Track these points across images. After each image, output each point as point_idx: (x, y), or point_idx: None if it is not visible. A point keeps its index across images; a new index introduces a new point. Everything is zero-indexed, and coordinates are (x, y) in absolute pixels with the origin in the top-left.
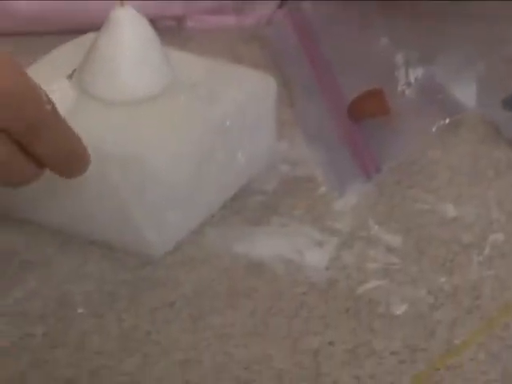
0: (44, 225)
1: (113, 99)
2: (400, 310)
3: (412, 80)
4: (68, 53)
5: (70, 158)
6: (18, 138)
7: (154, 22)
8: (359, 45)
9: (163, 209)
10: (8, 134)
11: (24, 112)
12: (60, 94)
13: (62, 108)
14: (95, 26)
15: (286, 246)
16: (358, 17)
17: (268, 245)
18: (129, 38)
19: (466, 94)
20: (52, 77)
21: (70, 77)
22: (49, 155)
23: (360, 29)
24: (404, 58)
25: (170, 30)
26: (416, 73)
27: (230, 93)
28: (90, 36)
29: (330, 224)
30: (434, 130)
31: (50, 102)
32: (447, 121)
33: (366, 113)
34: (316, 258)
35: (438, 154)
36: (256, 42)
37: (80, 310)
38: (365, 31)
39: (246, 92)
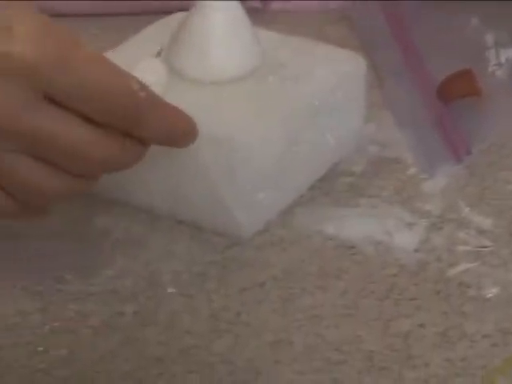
0: (133, 205)
1: (202, 79)
2: (491, 292)
3: (503, 60)
4: (156, 32)
5: (175, 134)
6: (120, 128)
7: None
8: (448, 26)
9: (253, 189)
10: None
11: (118, 106)
12: (151, 72)
13: (156, 87)
14: (182, 5)
15: (376, 227)
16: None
17: (357, 226)
18: (220, 18)
19: None
20: (141, 56)
21: (158, 55)
22: (153, 137)
23: (449, 11)
24: (494, 39)
25: (254, 11)
26: (507, 53)
27: (319, 73)
28: (178, 16)
29: (420, 206)
30: None
31: (143, 88)
32: None
33: (456, 94)
34: (406, 240)
35: None
36: (342, 24)
37: (170, 290)
38: (454, 13)
39: (336, 72)
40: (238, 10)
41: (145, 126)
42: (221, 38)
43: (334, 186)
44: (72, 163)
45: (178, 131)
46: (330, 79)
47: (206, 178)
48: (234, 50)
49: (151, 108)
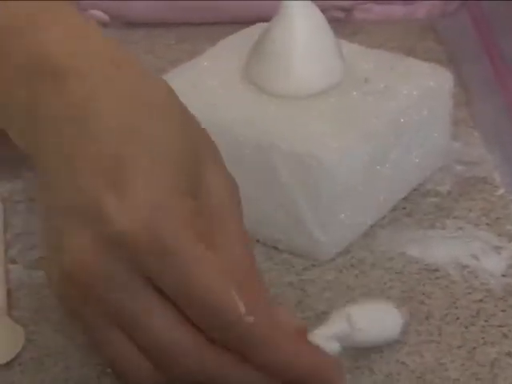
0: None
1: (285, 93)
2: None
3: None
4: (234, 44)
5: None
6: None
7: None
8: None
9: (335, 209)
10: None
11: (218, 321)
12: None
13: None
14: (262, 16)
15: (462, 250)
16: None
17: (442, 249)
18: (303, 30)
19: None
20: (220, 70)
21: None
22: (269, 370)
23: None
24: None
25: (336, 21)
26: None
27: (405, 88)
28: (257, 27)
29: (509, 228)
30: None
31: (255, 311)
32: None
33: None
34: (493, 264)
35: None
36: (429, 35)
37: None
38: None
39: (422, 87)
40: (320, 21)
41: (255, 355)
42: (304, 51)
43: (418, 206)
44: (161, 361)
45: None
46: (415, 95)
47: (285, 196)
48: (317, 64)
49: (264, 338)
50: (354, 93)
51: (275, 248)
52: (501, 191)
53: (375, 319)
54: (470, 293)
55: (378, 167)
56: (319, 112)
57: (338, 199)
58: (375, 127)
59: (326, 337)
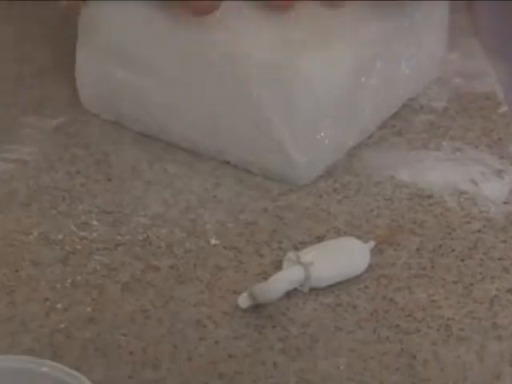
0: (171, 142)
1: None
2: None
3: None
4: None
5: None
6: None
7: None
8: None
9: (315, 125)
10: None
11: None
12: None
13: None
14: None
15: (459, 175)
16: None
17: (437, 173)
18: None
19: None
20: None
21: None
22: None
23: None
24: None
25: None
26: None
27: None
28: None
29: None
30: None
31: None
32: None
33: None
34: (493, 190)
35: None
36: None
37: (213, 242)
38: None
39: None
40: None
41: None
42: None
43: (409, 124)
44: None
45: None
46: None
47: (258, 112)
48: None
49: None
50: None
51: (247, 171)
52: (503, 108)
53: (335, 263)
54: (467, 222)
55: (363, 79)
56: (298, 17)
57: (317, 115)
58: (360, 34)
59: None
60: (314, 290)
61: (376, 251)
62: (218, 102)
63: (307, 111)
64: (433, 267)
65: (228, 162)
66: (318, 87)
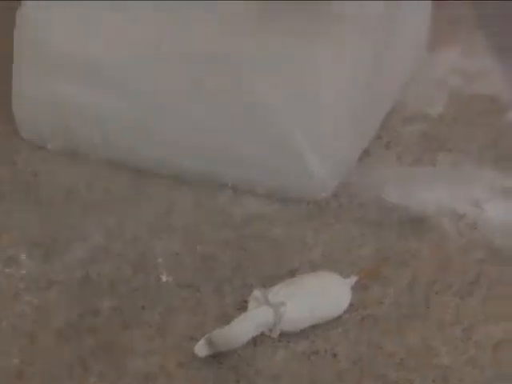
0: (142, 168)
1: None
2: None
3: None
4: None
5: None
6: None
7: None
8: None
9: (334, 137)
10: None
11: None
12: None
13: None
14: None
15: (457, 195)
16: None
17: (431, 193)
18: None
19: None
20: None
21: None
22: None
23: None
24: None
25: None
26: None
27: None
28: None
29: None
30: None
31: None
32: None
33: None
34: (499, 213)
35: None
36: None
37: (165, 278)
38: None
39: None
40: None
41: None
42: None
43: (398, 135)
44: None
45: None
46: None
47: (273, 125)
48: None
49: None
50: None
51: (208, 193)
52: (510, 115)
53: (310, 302)
54: (467, 251)
55: (370, 87)
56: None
57: (336, 126)
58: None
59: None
60: (286, 336)
61: (359, 288)
62: (222, 121)
63: (327, 123)
64: (427, 307)
65: (184, 182)
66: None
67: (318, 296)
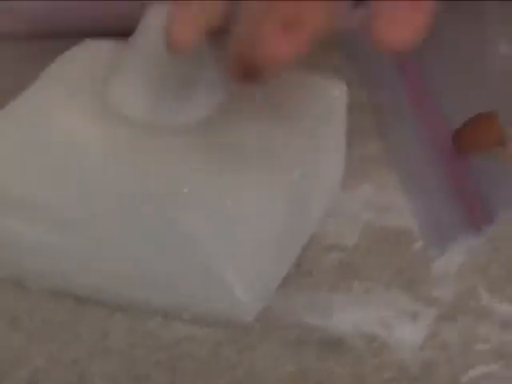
0: (82, 297)
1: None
2: None
3: None
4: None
5: None
6: None
7: None
8: (469, 54)
9: (257, 259)
10: None
11: None
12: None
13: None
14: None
15: (370, 318)
16: (469, 19)
17: (346, 317)
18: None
19: None
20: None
21: None
22: None
23: (471, 33)
24: None
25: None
26: None
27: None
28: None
29: (427, 290)
30: None
31: None
32: None
33: (476, 144)
34: (408, 335)
35: None
36: (336, 53)
37: None
38: (477, 37)
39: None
40: None
41: None
42: (167, 74)
43: (318, 264)
44: None
45: None
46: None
47: (195, 250)
48: (188, 89)
49: None
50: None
51: (140, 315)
52: (418, 245)
53: None
54: (380, 370)
55: (296, 208)
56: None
57: (259, 247)
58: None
59: None
60: None
61: None
62: (148, 249)
63: (251, 253)
64: None
65: (119, 308)
66: (259, 212)
67: None
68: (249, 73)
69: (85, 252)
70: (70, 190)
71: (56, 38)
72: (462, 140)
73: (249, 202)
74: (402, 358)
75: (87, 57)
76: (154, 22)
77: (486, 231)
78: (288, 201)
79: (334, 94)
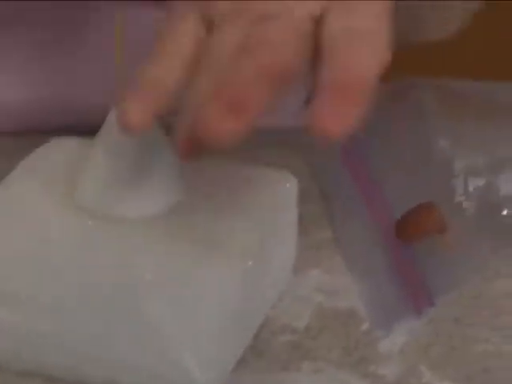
0: (48, 376)
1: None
2: None
3: (471, 190)
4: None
5: None
6: None
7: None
8: (411, 148)
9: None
10: None
11: None
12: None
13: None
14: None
15: None
16: (410, 116)
17: None
18: (128, 146)
19: None
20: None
21: None
22: None
23: (413, 128)
24: (464, 164)
25: None
26: (476, 182)
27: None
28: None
29: (373, 369)
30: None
31: None
32: None
33: (417, 231)
34: None
35: (508, 284)
36: (285, 146)
37: None
38: (418, 133)
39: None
40: (152, 134)
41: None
42: (126, 169)
43: (270, 345)
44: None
45: None
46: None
47: (153, 330)
48: (144, 184)
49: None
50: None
51: None
52: (365, 326)
53: None
54: None
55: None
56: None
57: (218, 329)
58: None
59: None
60: None
61: None
62: (111, 332)
63: (207, 328)
64: None
65: None
66: (216, 296)
67: None
68: (195, 148)
69: (51, 336)
70: (39, 278)
71: (29, 134)
72: (404, 228)
73: (207, 288)
74: None
75: (59, 152)
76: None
77: (427, 313)
78: (243, 286)
79: (285, 186)
